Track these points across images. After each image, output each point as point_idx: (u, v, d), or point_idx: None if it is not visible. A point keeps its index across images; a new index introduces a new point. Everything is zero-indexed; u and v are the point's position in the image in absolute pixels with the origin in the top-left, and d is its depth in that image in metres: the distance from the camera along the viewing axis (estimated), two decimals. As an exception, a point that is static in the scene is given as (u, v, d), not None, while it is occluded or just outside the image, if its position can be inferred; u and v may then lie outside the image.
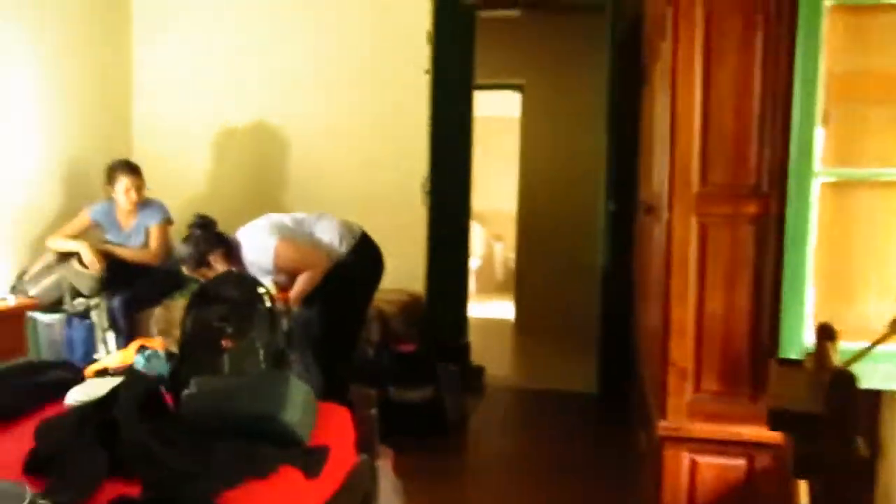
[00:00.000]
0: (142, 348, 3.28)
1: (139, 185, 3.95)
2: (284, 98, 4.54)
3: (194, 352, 2.39)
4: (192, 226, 3.36)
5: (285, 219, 3.39)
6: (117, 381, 2.29)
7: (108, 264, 3.88)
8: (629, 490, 3.14)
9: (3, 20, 3.72)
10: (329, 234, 3.37)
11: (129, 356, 3.37)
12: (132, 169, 3.96)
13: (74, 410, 2.14)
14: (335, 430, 2.34)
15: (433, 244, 4.47)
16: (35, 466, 1.96)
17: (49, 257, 3.82)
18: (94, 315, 3.83)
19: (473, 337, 5.21)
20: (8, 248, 3.82)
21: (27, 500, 1.55)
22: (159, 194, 4.11)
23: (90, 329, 3.87)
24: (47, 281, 3.75)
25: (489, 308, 7.59)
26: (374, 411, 2.53)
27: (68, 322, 3.87)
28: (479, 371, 4.92)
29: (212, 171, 4.64)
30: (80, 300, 3.82)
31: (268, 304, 2.53)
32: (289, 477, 1.96)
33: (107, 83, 4.50)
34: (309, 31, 4.49)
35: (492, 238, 8.92)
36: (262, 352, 2.38)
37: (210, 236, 3.34)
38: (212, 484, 1.80)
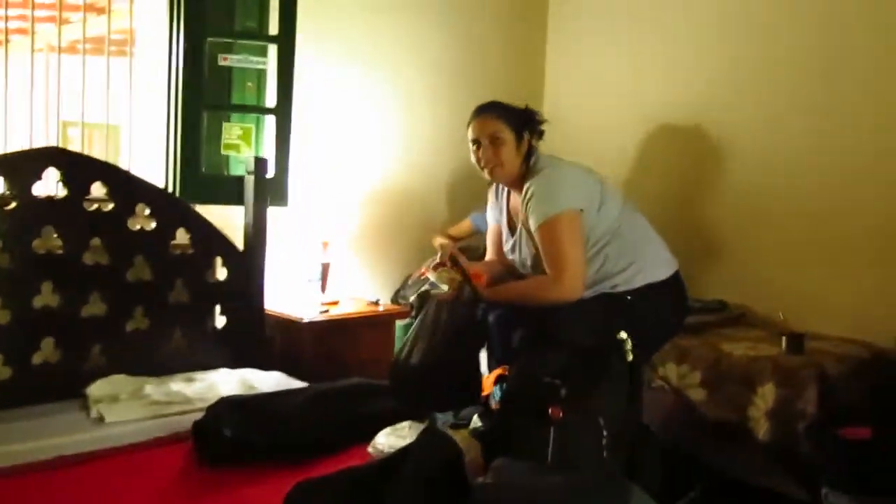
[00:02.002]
0: (500, 378, 2.76)
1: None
2: (724, 96, 3.56)
3: (514, 414, 1.71)
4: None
5: (612, 198, 2.38)
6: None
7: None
8: None
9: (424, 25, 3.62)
10: (636, 254, 2.35)
11: (489, 384, 2.87)
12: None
13: (347, 473, 1.62)
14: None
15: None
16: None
17: (429, 262, 3.55)
18: (468, 329, 3.44)
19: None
20: (398, 254, 3.64)
21: None
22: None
23: (466, 343, 3.50)
24: (424, 287, 3.48)
25: None
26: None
27: (445, 333, 3.55)
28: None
29: (625, 181, 3.89)
30: (455, 312, 3.46)
31: (629, 357, 1.71)
32: None
33: (516, 89, 4.10)
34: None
35: None
36: (605, 433, 1.57)
37: (537, 124, 2.47)
38: None
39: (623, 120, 3.85)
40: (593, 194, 2.32)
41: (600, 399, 1.61)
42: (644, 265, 2.35)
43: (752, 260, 3.38)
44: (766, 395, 2.69)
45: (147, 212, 2.55)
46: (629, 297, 2.29)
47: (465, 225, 3.59)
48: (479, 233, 3.58)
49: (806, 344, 2.82)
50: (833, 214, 3.15)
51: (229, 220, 2.83)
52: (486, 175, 2.43)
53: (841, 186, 3.14)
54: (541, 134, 2.47)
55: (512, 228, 2.48)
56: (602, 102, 3.96)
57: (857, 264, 3.09)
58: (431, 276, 2.36)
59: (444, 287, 2.32)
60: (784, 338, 2.83)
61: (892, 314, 3.02)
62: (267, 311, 2.84)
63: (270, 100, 2.99)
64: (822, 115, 3.20)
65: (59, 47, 2.99)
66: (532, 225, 2.26)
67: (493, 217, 2.64)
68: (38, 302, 2.29)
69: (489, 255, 2.67)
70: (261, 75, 3.02)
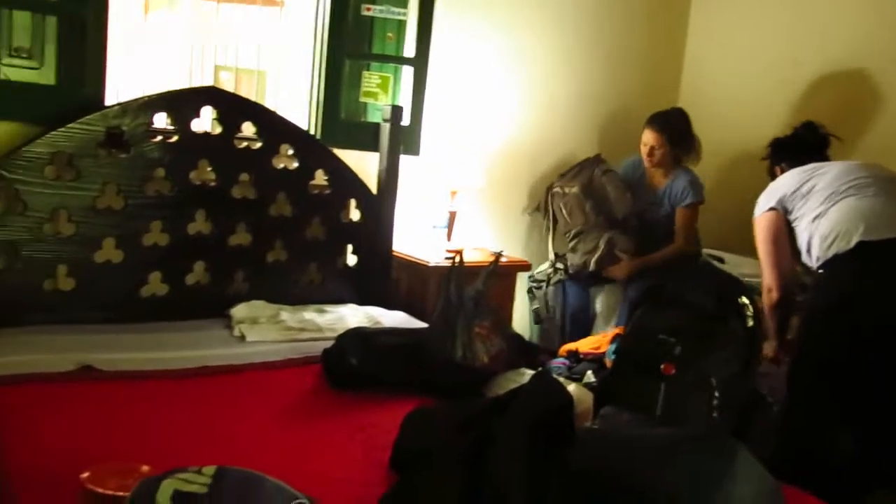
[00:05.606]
0: (618, 337, 2.76)
1: (660, 144, 3.28)
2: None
3: (626, 368, 1.73)
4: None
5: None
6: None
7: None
8: None
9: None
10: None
11: (605, 341, 2.89)
12: (654, 123, 3.31)
13: (459, 405, 1.71)
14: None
15: None
16: (400, 463, 1.60)
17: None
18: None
19: None
20: (525, 207, 3.66)
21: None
22: (700, 164, 3.45)
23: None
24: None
25: None
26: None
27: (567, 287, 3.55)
28: None
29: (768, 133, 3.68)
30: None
31: (749, 323, 1.69)
32: None
33: (656, 47, 3.98)
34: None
35: None
36: (717, 394, 1.58)
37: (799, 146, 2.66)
38: None
39: (768, 84, 3.67)
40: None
41: (715, 361, 1.61)
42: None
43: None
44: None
45: (290, 152, 2.71)
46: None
47: None
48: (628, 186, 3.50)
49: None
50: None
51: (364, 164, 2.96)
52: None
53: None
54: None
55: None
56: (750, 58, 3.75)
57: None
58: None
59: None
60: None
61: None
62: (395, 253, 2.97)
63: (409, 50, 3.07)
64: None
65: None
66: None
67: None
68: (192, 228, 2.52)
69: None
70: (401, 26, 3.10)
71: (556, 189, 3.43)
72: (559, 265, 3.40)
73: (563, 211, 3.38)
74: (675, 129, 3.32)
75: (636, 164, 3.48)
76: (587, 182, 3.36)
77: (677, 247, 3.31)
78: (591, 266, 3.29)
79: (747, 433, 1.65)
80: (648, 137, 3.31)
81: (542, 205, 3.50)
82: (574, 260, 3.33)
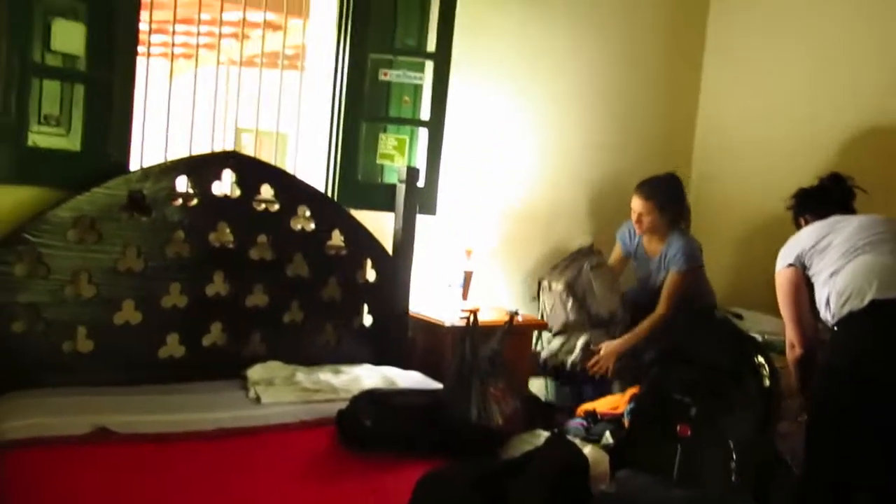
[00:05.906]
0: (634, 397, 2.73)
1: (647, 211, 3.24)
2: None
3: (642, 429, 1.71)
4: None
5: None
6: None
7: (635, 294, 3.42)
8: None
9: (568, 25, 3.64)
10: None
11: (623, 401, 2.86)
12: (641, 190, 3.28)
13: (474, 467, 1.69)
14: None
15: None
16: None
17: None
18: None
19: None
20: (539, 267, 3.65)
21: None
22: (715, 222, 3.43)
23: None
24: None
25: None
26: None
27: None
28: None
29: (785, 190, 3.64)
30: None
31: (766, 383, 1.67)
32: None
33: (671, 103, 4.04)
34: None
35: None
36: (734, 455, 1.55)
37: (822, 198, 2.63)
38: None
39: (785, 142, 3.68)
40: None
41: (732, 421, 1.59)
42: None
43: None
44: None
45: (307, 213, 2.76)
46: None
47: (617, 251, 3.54)
48: (626, 252, 3.52)
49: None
50: None
51: (381, 225, 3.00)
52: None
53: None
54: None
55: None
56: (763, 116, 3.78)
57: None
58: None
59: None
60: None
61: None
62: (411, 313, 2.98)
63: (425, 113, 3.13)
64: None
65: (241, 60, 3.28)
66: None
67: None
68: (210, 290, 2.55)
69: None
70: (417, 90, 3.17)
71: (545, 283, 3.42)
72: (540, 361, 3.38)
73: (547, 307, 3.38)
74: (664, 195, 3.27)
75: (632, 232, 3.45)
76: (573, 278, 3.32)
77: (658, 315, 3.22)
78: (568, 368, 3.28)
79: (766, 495, 1.62)
80: (636, 204, 3.28)
81: (536, 295, 3.49)
82: (551, 361, 3.32)
